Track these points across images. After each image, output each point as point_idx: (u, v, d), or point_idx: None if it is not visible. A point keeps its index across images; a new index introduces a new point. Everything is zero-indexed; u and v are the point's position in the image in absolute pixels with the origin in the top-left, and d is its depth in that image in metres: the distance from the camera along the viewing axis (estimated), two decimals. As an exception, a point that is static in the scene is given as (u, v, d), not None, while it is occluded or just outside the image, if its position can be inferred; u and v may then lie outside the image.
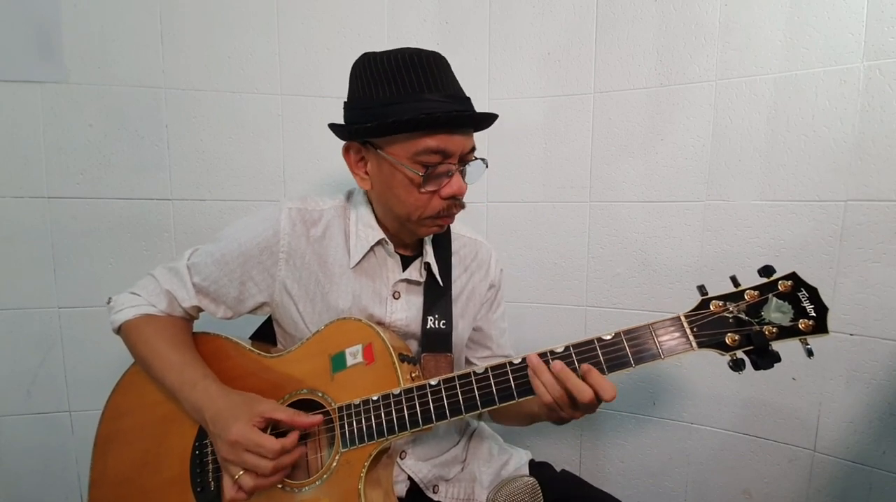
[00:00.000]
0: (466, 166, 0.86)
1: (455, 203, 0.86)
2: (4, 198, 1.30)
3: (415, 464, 0.92)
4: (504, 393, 0.77)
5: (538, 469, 1.01)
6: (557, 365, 0.74)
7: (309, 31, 1.38)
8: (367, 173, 0.89)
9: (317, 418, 0.81)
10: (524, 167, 1.44)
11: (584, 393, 0.72)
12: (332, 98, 1.39)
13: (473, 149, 0.86)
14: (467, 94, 0.86)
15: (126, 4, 1.29)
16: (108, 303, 0.96)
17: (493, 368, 0.78)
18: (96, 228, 1.34)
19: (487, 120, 0.86)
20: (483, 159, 0.88)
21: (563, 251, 1.44)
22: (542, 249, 1.46)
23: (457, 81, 0.85)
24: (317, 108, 1.39)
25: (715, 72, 1.25)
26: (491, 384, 0.77)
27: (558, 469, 1.03)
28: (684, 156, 1.30)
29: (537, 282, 1.48)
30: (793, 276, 0.73)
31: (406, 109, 0.79)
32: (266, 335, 1.05)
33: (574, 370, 0.75)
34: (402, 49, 0.83)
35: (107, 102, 1.31)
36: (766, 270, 0.74)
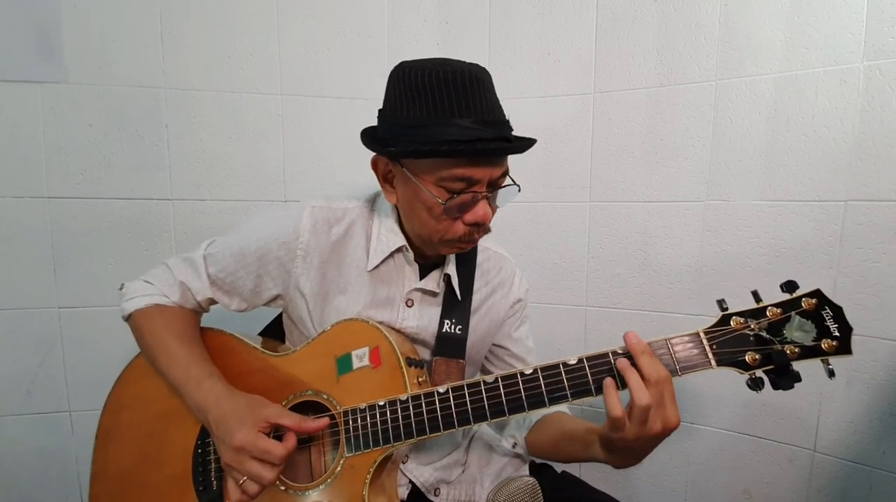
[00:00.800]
0: (497, 190, 0.83)
1: (478, 229, 0.83)
2: (4, 198, 1.30)
3: (416, 469, 0.92)
4: (514, 404, 0.75)
5: (538, 469, 1.01)
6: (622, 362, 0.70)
7: (309, 31, 1.38)
8: (393, 187, 0.87)
9: (323, 422, 0.80)
10: (524, 167, 1.43)
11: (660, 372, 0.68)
12: (332, 98, 1.39)
13: (505, 173, 0.83)
14: (504, 118, 0.82)
15: (126, 4, 1.29)
16: (121, 289, 0.95)
17: (504, 378, 0.76)
18: (96, 228, 1.34)
19: (518, 149, 0.81)
20: (516, 183, 0.83)
21: (563, 251, 1.44)
22: (542, 249, 1.46)
23: (493, 102, 0.80)
24: (317, 108, 1.39)
25: (715, 72, 1.25)
26: (501, 394, 0.75)
27: (558, 469, 1.02)
28: (684, 156, 1.30)
29: (537, 282, 1.47)
30: (817, 294, 0.70)
31: (432, 134, 0.76)
32: (275, 332, 1.05)
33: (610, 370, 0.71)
34: (439, 63, 0.78)
35: (107, 102, 1.31)
36: (790, 285, 0.71)
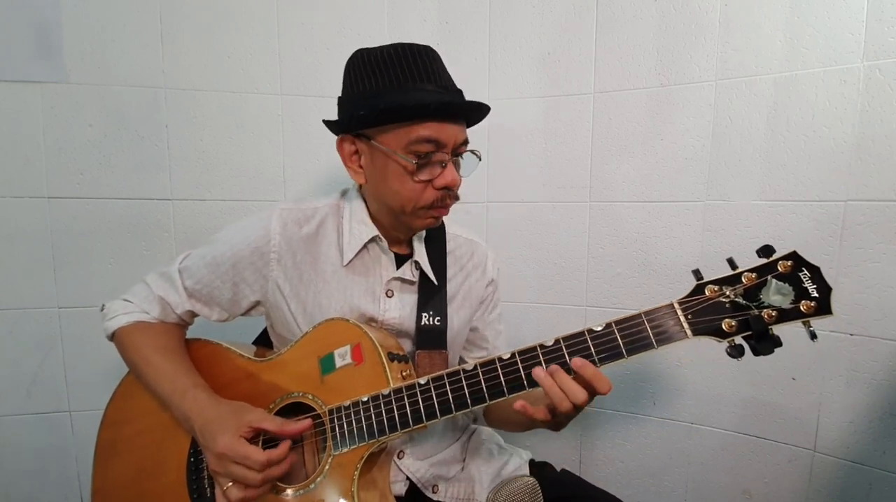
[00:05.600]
0: (460, 158, 0.87)
1: (449, 194, 0.86)
2: (4, 198, 1.30)
3: (412, 464, 0.92)
4: (494, 390, 0.76)
5: (538, 469, 1.01)
6: (552, 367, 0.73)
7: (309, 31, 1.38)
8: (360, 166, 0.89)
9: (305, 423, 0.80)
10: (524, 167, 1.44)
11: (578, 394, 0.71)
12: (332, 98, 1.37)
13: (466, 141, 0.87)
14: (459, 87, 0.87)
15: (126, 4, 1.29)
16: (102, 309, 0.96)
17: (483, 365, 0.77)
18: (96, 228, 1.34)
19: (480, 110, 0.86)
20: (476, 152, 0.88)
21: (563, 251, 1.44)
22: (542, 249, 1.46)
23: (448, 74, 0.86)
24: (317, 107, 1.39)
25: (715, 72, 1.25)
26: (481, 381, 0.76)
27: (558, 469, 1.03)
28: (684, 156, 1.30)
29: (537, 282, 1.47)
30: (793, 256, 0.70)
31: (398, 98, 0.80)
32: (268, 340, 1.05)
33: (564, 364, 0.73)
34: (393, 44, 0.84)
35: (107, 102, 1.31)
36: (766, 250, 0.71)
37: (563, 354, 0.74)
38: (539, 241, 1.46)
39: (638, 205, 1.36)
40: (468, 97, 0.86)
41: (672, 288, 1.34)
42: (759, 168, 1.24)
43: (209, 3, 1.33)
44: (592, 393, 0.73)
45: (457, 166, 0.87)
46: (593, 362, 0.73)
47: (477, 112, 0.87)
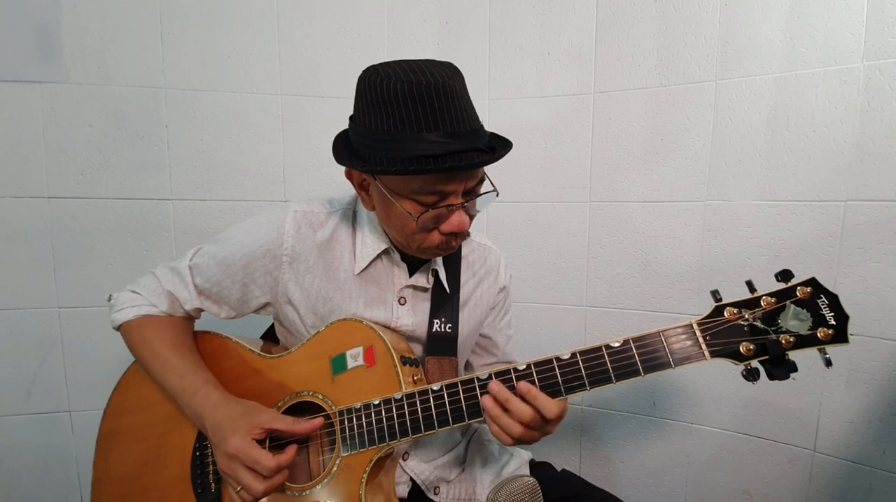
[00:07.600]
0: (474, 198, 0.81)
1: (455, 237, 0.82)
2: (4, 198, 1.30)
3: (417, 466, 0.92)
4: None
5: (538, 469, 1.01)
6: (522, 385, 0.74)
7: (309, 31, 1.38)
8: (369, 194, 0.86)
9: (316, 422, 0.80)
10: (524, 167, 1.44)
11: (524, 413, 0.73)
12: (332, 98, 1.39)
13: (481, 180, 0.82)
14: (474, 127, 0.78)
15: (126, 4, 1.29)
16: (109, 300, 0.95)
17: (498, 374, 0.76)
18: (96, 228, 1.34)
19: (490, 160, 0.78)
20: (495, 189, 0.82)
21: (563, 251, 1.44)
22: (542, 249, 1.46)
23: (464, 109, 0.76)
24: (317, 108, 1.39)
25: (715, 72, 1.25)
26: None
27: (558, 469, 1.03)
28: (684, 156, 1.30)
29: (537, 282, 1.47)
30: (812, 282, 0.70)
31: (402, 148, 0.74)
32: (275, 335, 1.05)
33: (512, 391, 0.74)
34: (406, 71, 0.75)
35: (107, 102, 1.31)
36: (785, 275, 0.71)
37: (580, 368, 0.73)
38: (539, 241, 1.46)
39: (638, 205, 1.36)
40: (476, 127, 0.79)
41: (672, 288, 1.34)
42: (759, 168, 1.24)
43: (209, 3, 1.33)
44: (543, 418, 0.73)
45: (470, 205, 0.81)
46: (609, 379, 0.73)
47: (489, 161, 0.78)
